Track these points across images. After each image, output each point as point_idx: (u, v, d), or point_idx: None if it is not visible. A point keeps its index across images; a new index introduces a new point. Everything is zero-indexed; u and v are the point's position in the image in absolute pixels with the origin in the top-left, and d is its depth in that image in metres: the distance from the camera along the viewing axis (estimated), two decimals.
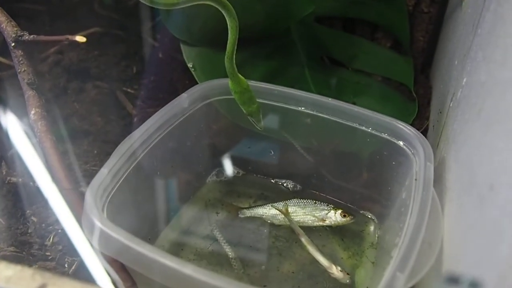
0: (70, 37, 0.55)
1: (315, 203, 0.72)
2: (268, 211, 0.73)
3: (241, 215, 0.74)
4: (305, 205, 0.72)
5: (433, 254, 0.50)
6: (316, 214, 0.71)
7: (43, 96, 0.63)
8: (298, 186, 0.80)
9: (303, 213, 0.71)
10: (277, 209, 0.71)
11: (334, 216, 0.70)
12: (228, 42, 0.61)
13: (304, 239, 0.68)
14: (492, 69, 0.48)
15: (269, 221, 0.73)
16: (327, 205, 0.71)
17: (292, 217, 0.71)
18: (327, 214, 0.70)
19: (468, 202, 0.47)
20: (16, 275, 0.38)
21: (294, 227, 0.69)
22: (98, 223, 0.49)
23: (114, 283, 0.53)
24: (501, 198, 0.36)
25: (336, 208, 0.71)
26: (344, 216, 0.70)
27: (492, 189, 0.38)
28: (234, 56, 0.62)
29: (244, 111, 0.66)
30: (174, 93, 0.71)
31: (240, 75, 0.64)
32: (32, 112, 0.59)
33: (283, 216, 0.71)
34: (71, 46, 0.94)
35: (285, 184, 0.81)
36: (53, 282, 0.38)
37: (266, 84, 0.73)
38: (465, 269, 0.42)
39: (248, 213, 0.74)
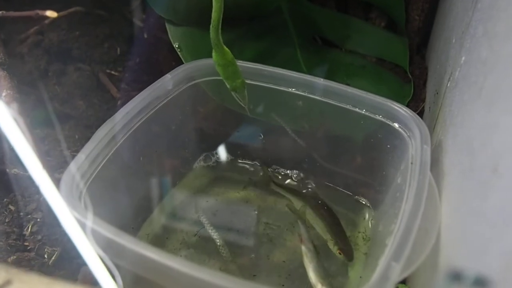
0: (40, 12, 0.52)
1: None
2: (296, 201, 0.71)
3: (273, 187, 0.74)
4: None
5: (430, 242, 0.48)
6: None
7: (22, 78, 0.59)
8: (289, 172, 0.77)
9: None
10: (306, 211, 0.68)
11: (333, 248, 0.64)
12: (213, 9, 0.56)
13: (304, 247, 0.62)
14: (494, 44, 0.45)
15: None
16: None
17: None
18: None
19: (468, 186, 0.44)
20: None
21: (302, 232, 0.65)
22: (74, 213, 0.46)
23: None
24: (506, 181, 0.34)
25: (336, 242, 0.64)
26: (340, 253, 0.63)
27: (495, 172, 0.36)
28: (220, 25, 0.58)
29: (228, 86, 0.63)
30: (160, 75, 0.68)
31: (225, 47, 0.60)
32: (3, 94, 0.56)
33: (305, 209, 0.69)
34: (52, 26, 0.89)
35: (276, 170, 0.78)
36: (18, 278, 0.35)
37: (255, 64, 0.70)
38: (465, 259, 0.39)
39: (278, 189, 0.74)
